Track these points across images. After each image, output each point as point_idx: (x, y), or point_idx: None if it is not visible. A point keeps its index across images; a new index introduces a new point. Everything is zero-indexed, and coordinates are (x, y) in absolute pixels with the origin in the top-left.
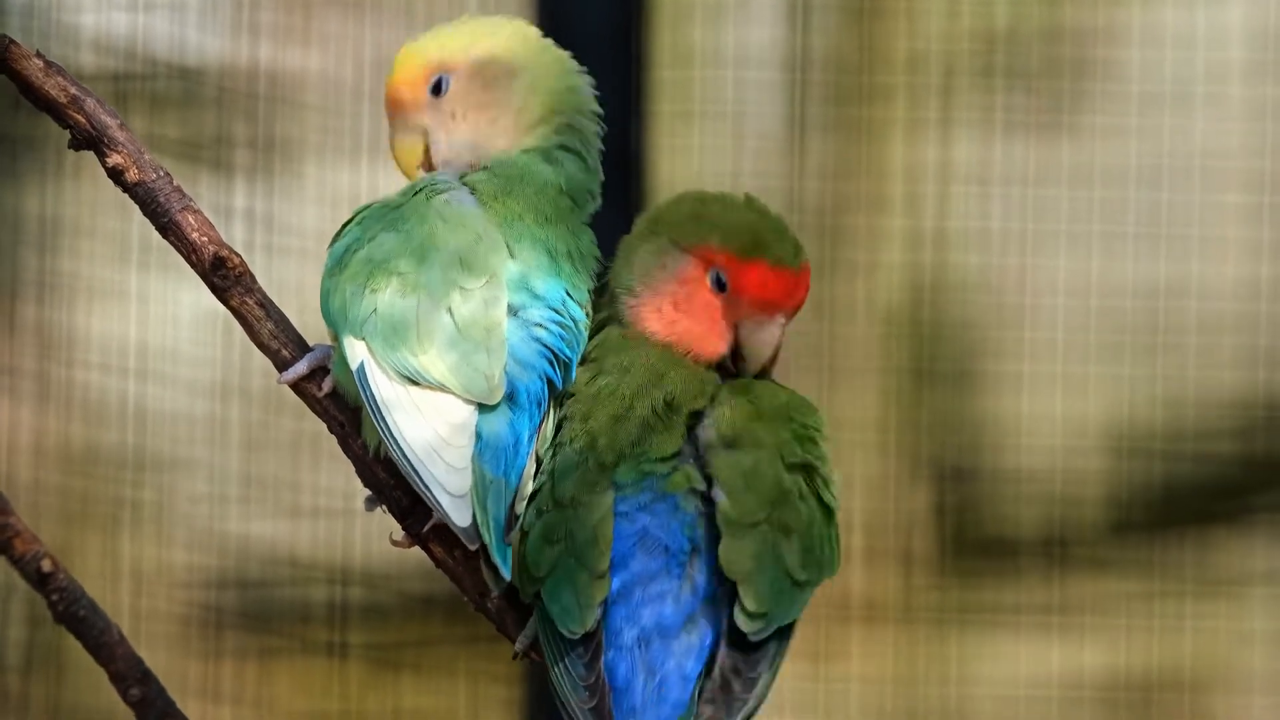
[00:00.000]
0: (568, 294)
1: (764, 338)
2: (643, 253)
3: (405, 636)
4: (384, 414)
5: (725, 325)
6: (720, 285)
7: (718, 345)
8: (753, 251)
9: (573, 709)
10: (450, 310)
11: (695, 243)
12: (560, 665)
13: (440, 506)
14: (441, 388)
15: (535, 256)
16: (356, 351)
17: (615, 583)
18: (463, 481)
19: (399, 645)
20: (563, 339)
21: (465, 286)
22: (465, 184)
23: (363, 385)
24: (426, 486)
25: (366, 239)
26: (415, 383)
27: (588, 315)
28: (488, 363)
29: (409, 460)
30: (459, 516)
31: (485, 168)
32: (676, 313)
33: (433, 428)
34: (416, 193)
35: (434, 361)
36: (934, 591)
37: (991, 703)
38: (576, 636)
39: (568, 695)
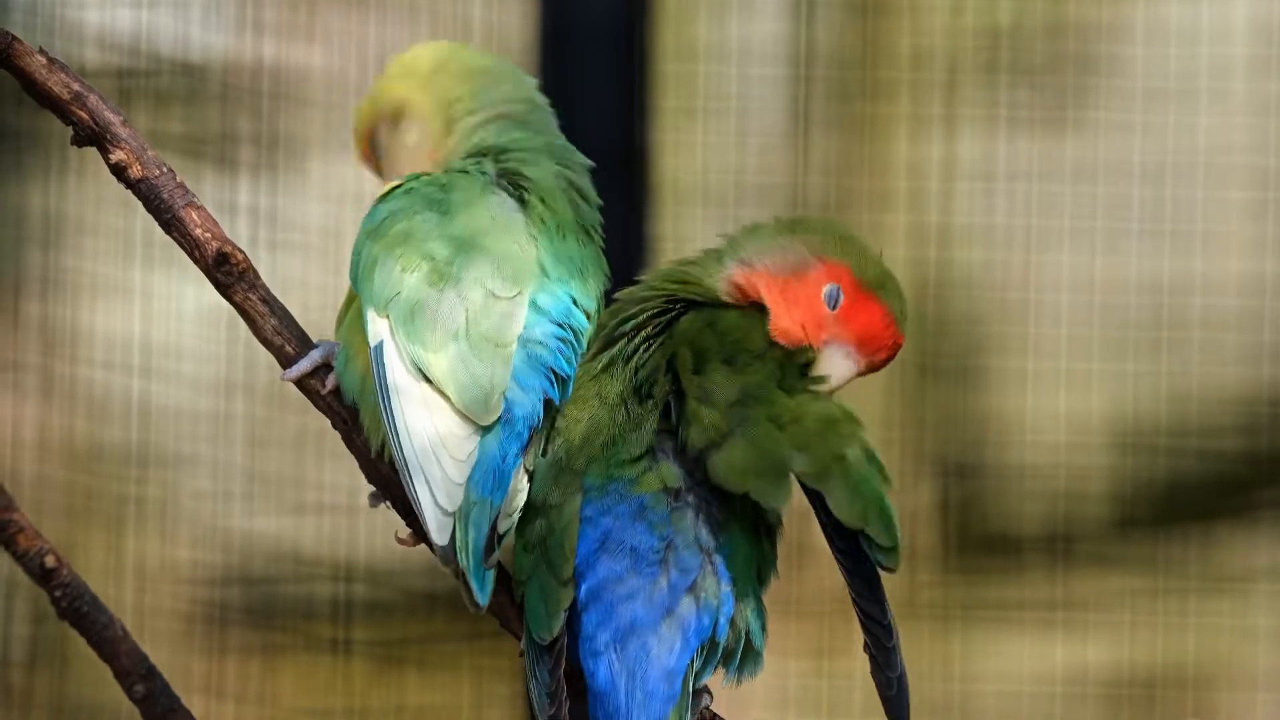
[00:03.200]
0: (574, 302)
1: (839, 370)
2: (775, 241)
3: (409, 633)
4: (392, 399)
5: (817, 333)
6: (833, 302)
7: (803, 336)
8: (877, 290)
9: (537, 715)
10: (469, 315)
11: (830, 256)
12: (533, 672)
13: (424, 517)
14: (440, 392)
15: (557, 270)
16: (378, 328)
17: (582, 588)
18: (454, 497)
19: (403, 641)
20: (562, 354)
21: (496, 293)
22: (504, 174)
23: (377, 365)
24: (416, 492)
25: (411, 212)
26: (426, 378)
27: (591, 321)
28: (490, 382)
29: (404, 454)
30: (439, 534)
31: (506, 150)
32: (782, 297)
33: (436, 428)
34: (469, 176)
35: (439, 361)
36: (938, 588)
37: (995, 699)
38: (545, 643)
39: (535, 701)
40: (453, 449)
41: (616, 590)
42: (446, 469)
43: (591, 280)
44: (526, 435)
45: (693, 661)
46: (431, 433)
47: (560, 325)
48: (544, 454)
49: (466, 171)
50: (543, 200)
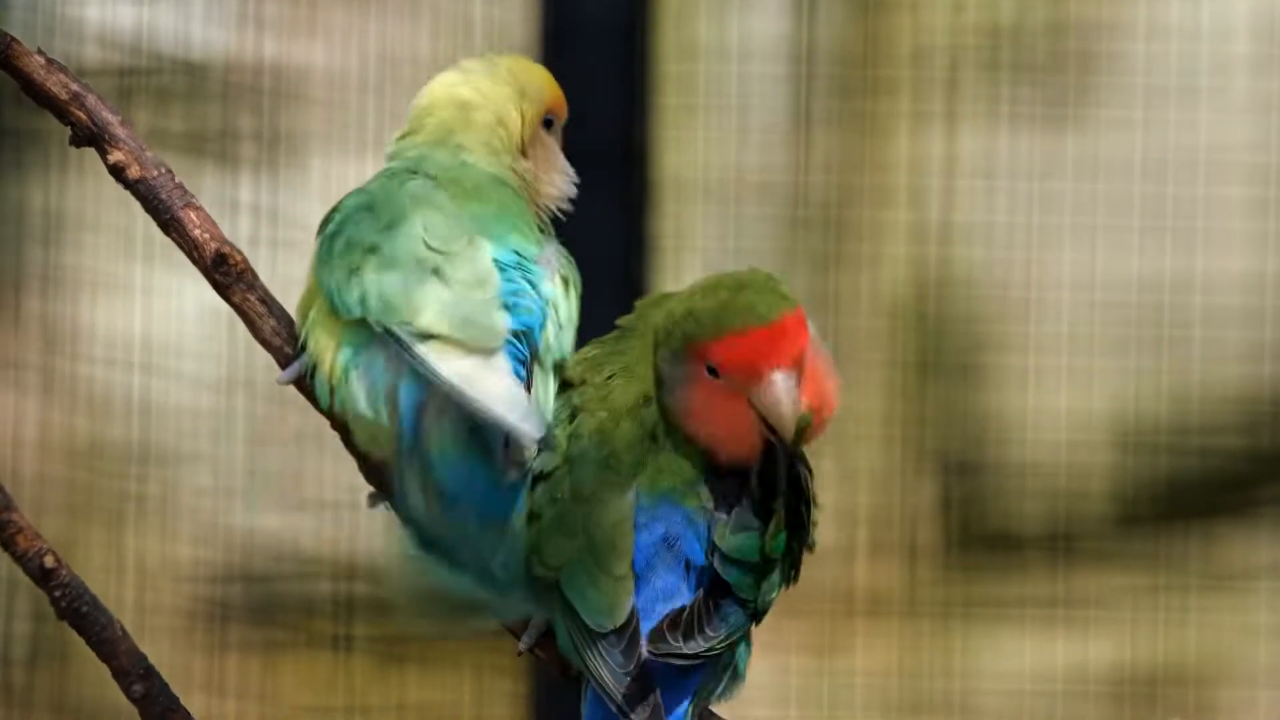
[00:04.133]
0: (519, 255)
1: (769, 399)
2: (663, 368)
3: (410, 630)
4: (420, 357)
5: (742, 412)
6: (714, 374)
7: (747, 438)
8: (719, 329)
9: (610, 689)
10: (439, 273)
11: (684, 344)
12: (593, 651)
13: (509, 421)
14: (447, 339)
15: (492, 228)
16: (370, 332)
17: (639, 599)
18: (518, 395)
19: (404, 639)
20: (521, 305)
21: (446, 251)
22: (426, 173)
23: (400, 352)
24: (489, 408)
25: (346, 222)
26: (430, 336)
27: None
28: (487, 313)
29: (460, 392)
30: (532, 426)
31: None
32: (704, 422)
33: (466, 361)
34: (390, 178)
35: (435, 324)
36: (939, 585)
37: (996, 697)
38: (605, 630)
39: (604, 678)
40: (491, 365)
41: (670, 603)
42: (494, 384)
43: (532, 237)
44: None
45: (703, 682)
46: (466, 366)
47: (512, 281)
48: (575, 436)
49: (390, 177)
50: (456, 182)
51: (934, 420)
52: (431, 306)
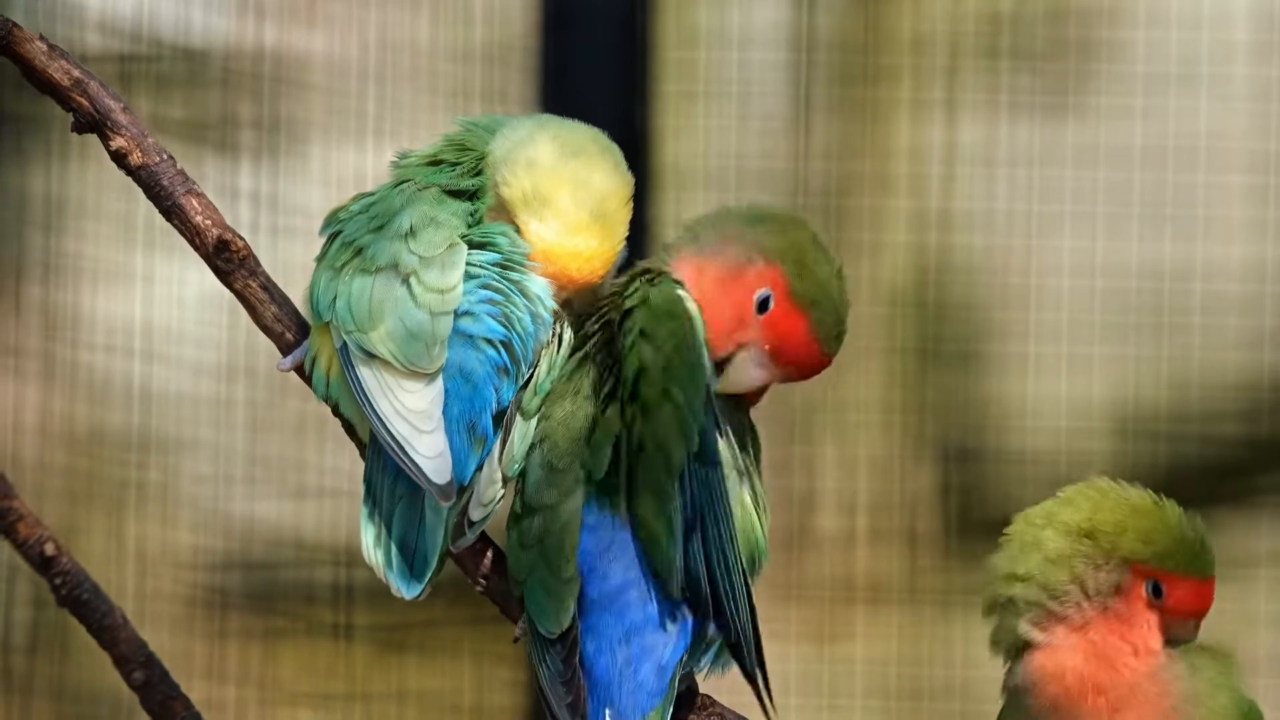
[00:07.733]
0: (503, 263)
1: (748, 375)
2: (731, 230)
3: (410, 618)
4: (360, 384)
5: (736, 334)
6: (762, 307)
7: (715, 338)
8: (808, 305)
9: (551, 704)
10: (409, 280)
11: (775, 260)
12: (542, 662)
13: (416, 468)
14: (386, 362)
15: (482, 233)
16: (338, 335)
17: (590, 590)
18: (435, 441)
19: (404, 627)
20: (494, 318)
21: (425, 255)
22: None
23: (346, 365)
24: (399, 447)
25: (345, 222)
26: (374, 356)
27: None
28: (431, 329)
29: (382, 426)
30: (436, 474)
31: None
32: (714, 293)
33: (396, 394)
34: (398, 183)
35: (383, 339)
36: (939, 572)
37: (996, 684)
38: (554, 636)
39: (547, 690)
40: (415, 404)
41: (624, 596)
42: (416, 422)
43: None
44: (488, 395)
45: (684, 658)
46: (396, 403)
47: (491, 288)
48: (534, 446)
49: (399, 182)
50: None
51: (934, 407)
52: (386, 321)
